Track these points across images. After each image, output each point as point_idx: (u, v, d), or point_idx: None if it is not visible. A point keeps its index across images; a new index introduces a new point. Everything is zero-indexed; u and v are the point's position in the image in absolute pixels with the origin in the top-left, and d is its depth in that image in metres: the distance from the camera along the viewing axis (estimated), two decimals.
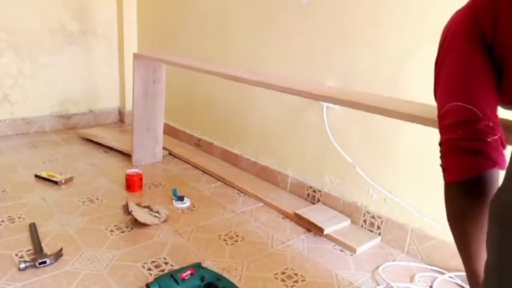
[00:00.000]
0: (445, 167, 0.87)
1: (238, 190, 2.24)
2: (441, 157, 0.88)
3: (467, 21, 0.86)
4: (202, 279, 1.37)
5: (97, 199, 2.01)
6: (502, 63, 0.82)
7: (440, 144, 0.88)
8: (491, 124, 0.81)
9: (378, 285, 1.51)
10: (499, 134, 0.81)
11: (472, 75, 0.84)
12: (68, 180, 2.18)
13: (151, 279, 1.42)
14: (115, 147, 2.69)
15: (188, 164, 2.59)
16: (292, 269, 1.56)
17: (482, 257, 0.84)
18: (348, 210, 1.93)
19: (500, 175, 0.80)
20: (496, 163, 0.80)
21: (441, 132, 0.89)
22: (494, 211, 0.65)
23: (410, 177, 1.69)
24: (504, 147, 0.82)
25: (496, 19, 0.80)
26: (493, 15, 0.80)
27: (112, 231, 1.73)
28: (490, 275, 0.66)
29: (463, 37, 0.85)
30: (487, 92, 0.83)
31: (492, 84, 0.83)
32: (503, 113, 0.92)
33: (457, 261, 1.50)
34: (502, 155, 0.81)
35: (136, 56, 2.30)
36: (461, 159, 0.82)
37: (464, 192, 0.83)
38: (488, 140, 0.80)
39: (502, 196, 0.64)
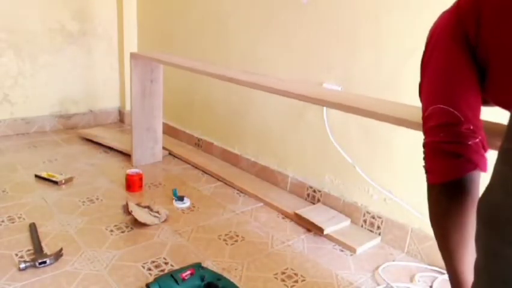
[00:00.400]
0: (428, 169, 0.89)
1: (238, 190, 2.24)
2: (424, 159, 0.90)
3: (451, 24, 0.87)
4: (202, 279, 1.37)
5: (97, 199, 2.01)
6: (485, 64, 0.83)
7: (424, 146, 0.90)
8: (472, 127, 0.82)
9: (378, 285, 1.51)
10: (480, 137, 0.82)
11: (456, 78, 0.85)
12: (68, 180, 2.18)
13: (151, 279, 1.42)
14: (115, 147, 2.69)
15: (188, 164, 2.59)
16: (292, 269, 1.56)
17: (463, 256, 0.86)
18: (348, 210, 1.93)
19: (482, 177, 0.82)
20: (476, 166, 0.82)
21: (425, 134, 0.91)
22: (482, 211, 0.65)
23: (410, 177, 1.69)
24: (486, 150, 0.83)
25: (478, 23, 0.81)
26: (475, 19, 0.81)
27: (112, 231, 1.73)
28: (479, 275, 0.66)
29: (448, 39, 0.87)
30: (469, 95, 0.84)
31: (475, 86, 0.84)
32: (487, 116, 0.93)
33: None
34: (483, 157, 0.82)
35: (133, 56, 2.30)
36: (443, 162, 0.84)
37: (446, 194, 0.85)
38: (469, 143, 0.81)
39: (488, 196, 0.64)
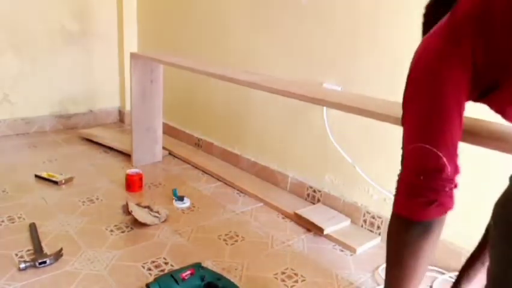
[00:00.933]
0: (398, 200, 0.87)
1: (238, 190, 2.24)
2: (397, 188, 0.88)
3: (443, 48, 0.79)
4: (202, 279, 1.37)
5: (97, 199, 2.01)
6: (492, 75, 0.76)
7: (399, 176, 0.89)
8: (452, 170, 0.80)
9: (378, 285, 1.51)
10: (455, 182, 0.81)
11: (445, 117, 0.80)
12: (68, 180, 2.18)
13: (151, 279, 1.42)
14: (115, 147, 2.69)
15: (188, 164, 2.59)
16: (292, 269, 1.56)
17: (412, 277, 0.87)
18: (348, 210, 1.93)
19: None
20: (447, 209, 0.81)
21: (403, 167, 0.89)
22: (498, 222, 0.65)
23: None
24: (456, 187, 0.82)
25: (488, 33, 0.73)
26: (483, 30, 0.74)
27: (112, 231, 1.73)
28: (493, 284, 0.66)
29: (439, 66, 0.79)
30: (455, 130, 0.80)
31: (462, 119, 0.81)
32: (486, 116, 0.93)
33: (457, 261, 1.50)
34: (453, 199, 0.81)
35: (133, 56, 2.30)
36: (417, 202, 0.82)
37: (413, 229, 0.84)
38: (446, 189, 0.80)
39: (506, 208, 0.63)
